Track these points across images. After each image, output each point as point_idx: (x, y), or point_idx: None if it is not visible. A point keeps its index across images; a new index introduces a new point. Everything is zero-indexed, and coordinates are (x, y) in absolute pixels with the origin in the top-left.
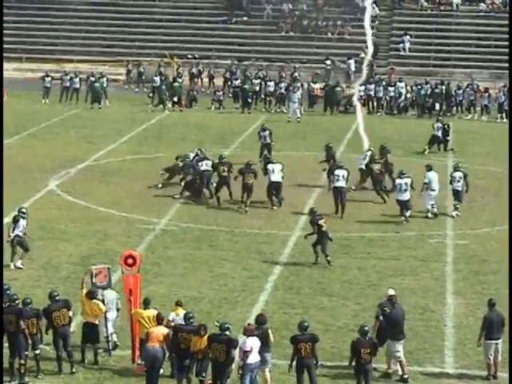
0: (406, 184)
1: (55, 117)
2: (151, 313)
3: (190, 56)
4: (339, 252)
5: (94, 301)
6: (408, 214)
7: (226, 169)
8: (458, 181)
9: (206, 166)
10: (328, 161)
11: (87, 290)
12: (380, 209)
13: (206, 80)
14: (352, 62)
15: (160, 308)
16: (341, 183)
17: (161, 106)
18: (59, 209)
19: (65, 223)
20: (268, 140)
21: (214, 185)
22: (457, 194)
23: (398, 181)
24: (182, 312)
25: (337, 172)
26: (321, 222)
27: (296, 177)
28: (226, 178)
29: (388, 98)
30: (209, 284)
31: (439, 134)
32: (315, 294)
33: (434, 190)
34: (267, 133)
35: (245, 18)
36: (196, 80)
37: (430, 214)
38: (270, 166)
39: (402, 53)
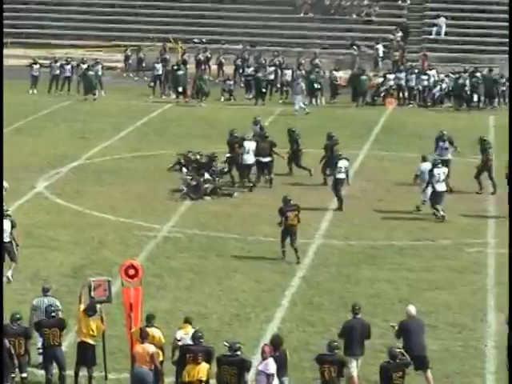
0: (443, 173)
1: (43, 109)
2: (154, 332)
3: (196, 40)
4: (365, 263)
5: (93, 318)
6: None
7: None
8: None
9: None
10: (291, 147)
11: (85, 305)
12: (412, 213)
13: (214, 67)
14: (380, 47)
15: (162, 326)
16: (343, 175)
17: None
18: (48, 213)
19: (54, 229)
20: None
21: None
22: None
23: (435, 170)
24: (191, 330)
25: (340, 164)
26: (289, 213)
27: (316, 178)
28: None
29: (421, 88)
30: (217, 298)
31: None
32: (338, 310)
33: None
34: (258, 127)
35: None
36: (204, 67)
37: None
38: (246, 144)
39: (436, 37)
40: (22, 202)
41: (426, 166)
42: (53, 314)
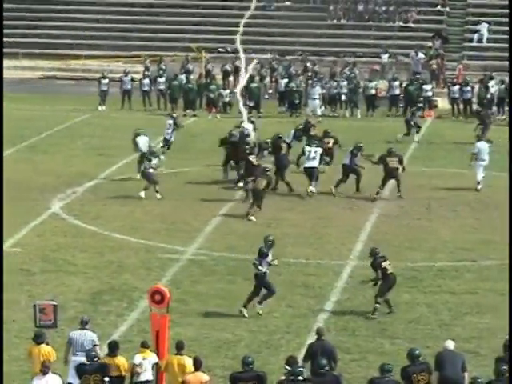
0: None
1: (59, 125)
2: (186, 361)
3: (221, 50)
4: (404, 285)
5: (43, 345)
6: None
7: None
8: None
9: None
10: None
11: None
12: (451, 233)
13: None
14: (421, 55)
15: (187, 354)
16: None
17: (188, 111)
18: (64, 235)
19: (71, 253)
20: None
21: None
22: None
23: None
24: (150, 354)
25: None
26: (384, 264)
27: (350, 197)
28: None
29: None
30: (246, 325)
31: None
32: (374, 336)
33: (483, 160)
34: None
35: (287, 3)
36: (234, 79)
37: (479, 186)
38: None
39: (478, 44)
40: (36, 224)
41: (482, 144)
42: (94, 359)
